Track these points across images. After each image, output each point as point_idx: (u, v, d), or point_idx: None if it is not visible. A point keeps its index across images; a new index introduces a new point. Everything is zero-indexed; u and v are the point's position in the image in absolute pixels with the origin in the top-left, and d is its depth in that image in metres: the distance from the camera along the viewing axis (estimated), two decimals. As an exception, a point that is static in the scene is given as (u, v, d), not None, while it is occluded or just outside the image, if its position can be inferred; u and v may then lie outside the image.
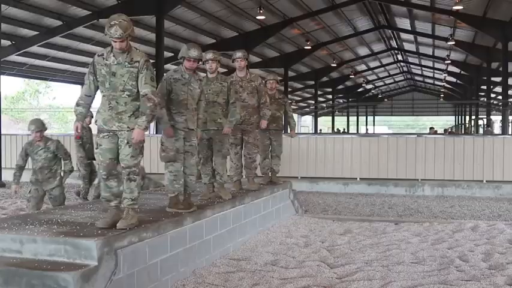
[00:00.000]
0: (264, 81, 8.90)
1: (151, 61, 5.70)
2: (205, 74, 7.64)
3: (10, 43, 22.60)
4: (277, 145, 9.80)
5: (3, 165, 16.60)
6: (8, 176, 17.21)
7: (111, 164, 5.37)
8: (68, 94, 61.25)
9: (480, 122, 39.33)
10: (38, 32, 22.60)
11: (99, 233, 4.87)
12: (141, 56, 5.37)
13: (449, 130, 47.34)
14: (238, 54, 8.34)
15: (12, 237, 4.84)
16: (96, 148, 5.41)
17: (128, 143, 5.28)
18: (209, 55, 7.54)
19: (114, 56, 5.32)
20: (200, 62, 6.62)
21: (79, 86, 35.86)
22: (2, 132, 16.80)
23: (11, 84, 51.01)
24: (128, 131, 5.28)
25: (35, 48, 24.38)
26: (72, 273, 4.28)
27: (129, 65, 5.29)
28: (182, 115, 6.41)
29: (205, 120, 7.07)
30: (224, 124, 7.47)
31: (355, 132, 56.06)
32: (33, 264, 4.51)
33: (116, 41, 5.21)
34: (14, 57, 25.08)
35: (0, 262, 4.60)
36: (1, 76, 16.95)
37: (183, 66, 6.51)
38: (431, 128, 33.49)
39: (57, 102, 59.82)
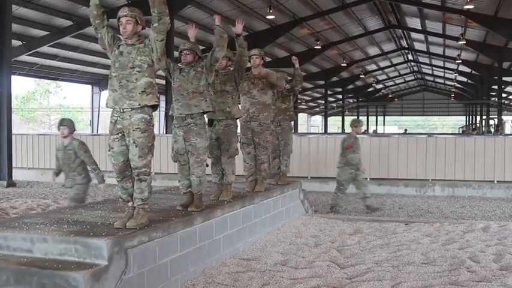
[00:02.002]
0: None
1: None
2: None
3: (21, 43, 22.76)
4: (285, 144, 9.74)
5: (14, 165, 16.68)
6: (18, 175, 17.34)
7: (123, 166, 5.37)
8: (78, 94, 61.56)
9: (491, 122, 39.10)
10: (48, 32, 22.73)
11: (109, 233, 4.88)
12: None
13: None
14: (254, 51, 8.35)
15: (23, 236, 4.86)
16: (109, 151, 5.44)
17: (134, 142, 5.28)
18: None
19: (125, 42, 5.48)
20: (197, 56, 6.59)
21: (89, 86, 36.02)
22: (13, 132, 16.87)
23: (22, 84, 51.45)
24: (138, 107, 5.27)
25: (45, 48, 24.53)
26: (83, 273, 4.29)
27: (136, 43, 5.40)
28: (178, 102, 6.47)
29: (214, 110, 7.03)
30: (233, 113, 7.44)
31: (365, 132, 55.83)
32: (43, 264, 4.52)
33: (121, 22, 5.36)
34: (24, 57, 25.25)
35: (11, 261, 4.62)
36: (12, 76, 17.02)
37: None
38: (473, 129, 32.93)
39: (67, 102, 60.20)
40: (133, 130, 5.27)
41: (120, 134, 5.35)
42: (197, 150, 6.41)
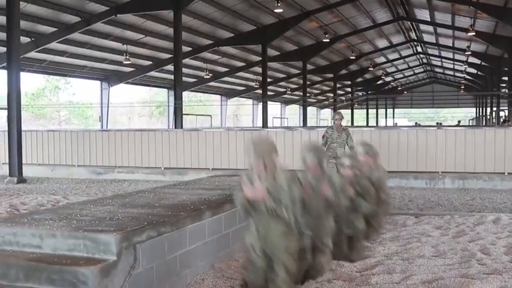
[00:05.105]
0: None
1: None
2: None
3: (29, 40, 22.82)
4: None
5: (24, 161, 16.75)
6: (29, 171, 17.41)
7: None
8: (87, 90, 61.72)
9: (501, 113, 38.83)
10: (56, 29, 22.78)
11: (118, 228, 4.88)
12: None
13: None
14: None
15: (32, 232, 4.88)
16: None
17: None
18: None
19: None
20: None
21: (98, 82, 36.10)
22: (23, 129, 16.94)
23: (31, 81, 51.59)
24: None
25: (54, 45, 24.58)
26: (91, 268, 4.30)
27: None
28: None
29: None
30: None
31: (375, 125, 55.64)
32: (52, 259, 4.54)
33: None
34: (33, 54, 25.31)
35: (20, 257, 4.64)
36: (21, 73, 17.09)
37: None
38: (505, 121, 32.30)
39: (76, 98, 60.36)
40: None
41: None
42: None
